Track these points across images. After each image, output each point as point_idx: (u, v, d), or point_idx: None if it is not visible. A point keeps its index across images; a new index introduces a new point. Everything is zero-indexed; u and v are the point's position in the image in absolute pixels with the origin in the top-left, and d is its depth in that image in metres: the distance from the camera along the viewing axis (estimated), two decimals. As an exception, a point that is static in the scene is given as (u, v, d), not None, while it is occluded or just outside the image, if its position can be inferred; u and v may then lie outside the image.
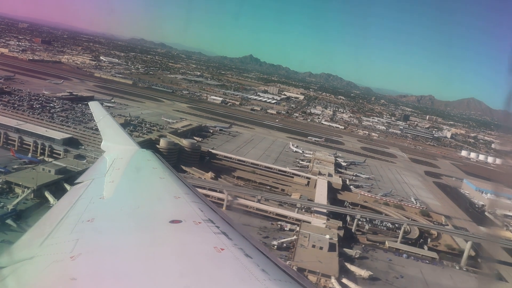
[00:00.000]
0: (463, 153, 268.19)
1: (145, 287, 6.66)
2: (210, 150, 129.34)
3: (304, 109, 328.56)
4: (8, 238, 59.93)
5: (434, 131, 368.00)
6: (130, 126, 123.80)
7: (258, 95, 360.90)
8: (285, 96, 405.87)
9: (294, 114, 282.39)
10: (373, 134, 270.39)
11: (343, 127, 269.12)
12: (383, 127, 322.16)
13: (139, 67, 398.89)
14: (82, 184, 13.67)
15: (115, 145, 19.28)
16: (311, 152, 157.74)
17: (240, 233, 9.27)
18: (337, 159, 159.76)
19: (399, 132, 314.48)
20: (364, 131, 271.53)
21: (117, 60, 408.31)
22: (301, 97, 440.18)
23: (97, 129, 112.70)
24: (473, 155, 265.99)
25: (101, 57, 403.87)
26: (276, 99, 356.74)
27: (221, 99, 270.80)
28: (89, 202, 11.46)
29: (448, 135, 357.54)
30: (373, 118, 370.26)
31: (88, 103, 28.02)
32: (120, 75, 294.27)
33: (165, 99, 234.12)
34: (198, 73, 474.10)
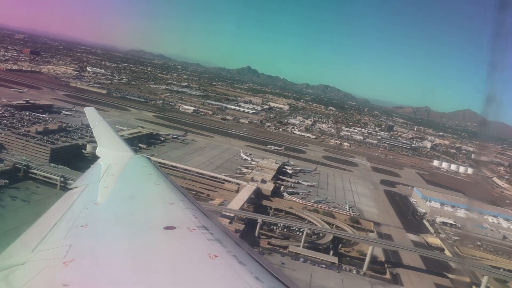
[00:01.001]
0: (435, 162, 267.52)
1: None
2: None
3: (282, 119, 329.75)
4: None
5: (414, 142, 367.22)
6: (63, 131, 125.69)
7: (239, 105, 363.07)
8: (268, 107, 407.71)
9: (267, 123, 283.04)
10: (345, 143, 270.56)
11: (314, 137, 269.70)
12: (361, 137, 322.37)
13: (124, 77, 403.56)
14: (76, 189, 13.67)
15: (110, 151, 19.28)
16: (258, 160, 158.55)
17: (234, 240, 9.27)
18: (286, 167, 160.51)
19: (375, 142, 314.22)
20: (336, 141, 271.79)
21: (102, 70, 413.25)
22: (286, 107, 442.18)
23: (24, 135, 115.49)
24: (445, 164, 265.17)
25: (87, 68, 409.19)
26: (256, 109, 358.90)
27: (194, 108, 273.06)
28: (83, 208, 11.44)
29: (428, 145, 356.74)
30: (354, 129, 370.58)
31: (84, 109, 28.22)
32: (98, 85, 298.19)
33: (133, 108, 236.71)
34: (186, 84, 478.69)
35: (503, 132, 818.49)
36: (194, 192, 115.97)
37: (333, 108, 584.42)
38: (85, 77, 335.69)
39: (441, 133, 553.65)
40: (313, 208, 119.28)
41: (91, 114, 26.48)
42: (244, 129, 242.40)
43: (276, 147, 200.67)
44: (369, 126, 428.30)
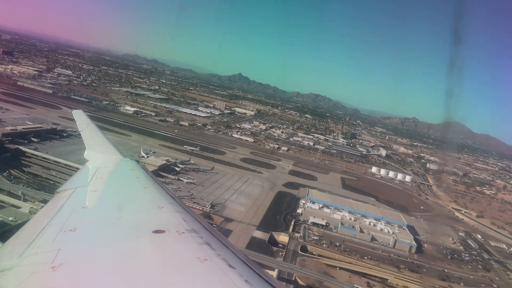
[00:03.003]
0: (373, 169, 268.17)
1: None
2: (18, 147, 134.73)
3: (233, 123, 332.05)
4: None
5: (371, 150, 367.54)
6: None
7: (197, 109, 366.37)
8: (229, 112, 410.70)
9: (208, 126, 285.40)
10: (284, 148, 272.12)
11: (253, 140, 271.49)
12: (310, 143, 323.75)
13: (89, 79, 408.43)
14: (64, 193, 13.62)
15: (99, 154, 19.57)
16: (151, 157, 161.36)
17: (224, 244, 9.31)
18: (179, 164, 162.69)
19: (322, 148, 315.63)
20: (274, 145, 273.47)
21: (70, 72, 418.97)
22: (251, 113, 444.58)
23: None
24: (383, 171, 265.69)
25: (55, 69, 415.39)
26: (213, 114, 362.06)
27: (135, 109, 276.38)
28: (71, 212, 11.32)
29: (383, 153, 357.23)
30: (311, 135, 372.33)
31: (72, 112, 28.14)
32: (50, 85, 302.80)
33: (67, 107, 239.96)
34: (156, 88, 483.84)
35: (487, 144, 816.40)
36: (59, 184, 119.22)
37: (309, 116, 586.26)
38: (44, 77, 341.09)
39: (415, 143, 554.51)
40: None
41: (79, 117, 26.77)
42: (176, 131, 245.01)
43: (192, 148, 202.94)
44: (333, 134, 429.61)
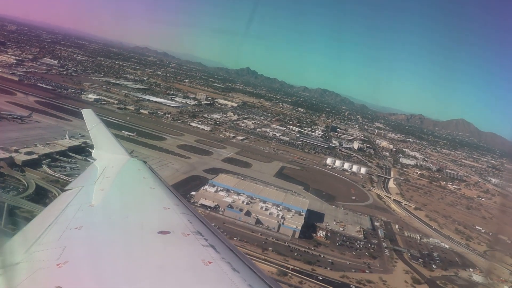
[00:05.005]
0: (328, 160, 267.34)
1: None
2: None
3: (201, 113, 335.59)
4: None
5: (343, 142, 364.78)
6: None
7: (173, 100, 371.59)
8: (208, 102, 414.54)
9: (167, 115, 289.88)
10: (239, 137, 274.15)
11: (209, 129, 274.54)
12: (277, 134, 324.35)
13: (74, 69, 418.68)
14: (71, 191, 13.74)
15: (107, 154, 19.62)
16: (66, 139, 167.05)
17: (228, 247, 9.32)
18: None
19: (287, 139, 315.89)
20: (230, 134, 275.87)
21: (56, 62, 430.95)
22: (234, 104, 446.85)
23: None
24: (338, 163, 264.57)
25: (42, 59, 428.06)
26: (188, 104, 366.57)
27: (96, 97, 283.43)
28: (77, 210, 11.44)
29: (356, 146, 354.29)
30: (285, 127, 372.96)
31: (81, 111, 28.09)
32: (22, 74, 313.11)
33: (23, 93, 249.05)
34: (144, 78, 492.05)
35: (493, 142, 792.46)
36: None
37: (301, 110, 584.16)
38: (21, 66, 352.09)
39: (408, 139, 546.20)
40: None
41: (88, 116, 26.78)
42: (128, 118, 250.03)
43: (129, 133, 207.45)
44: (312, 127, 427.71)
